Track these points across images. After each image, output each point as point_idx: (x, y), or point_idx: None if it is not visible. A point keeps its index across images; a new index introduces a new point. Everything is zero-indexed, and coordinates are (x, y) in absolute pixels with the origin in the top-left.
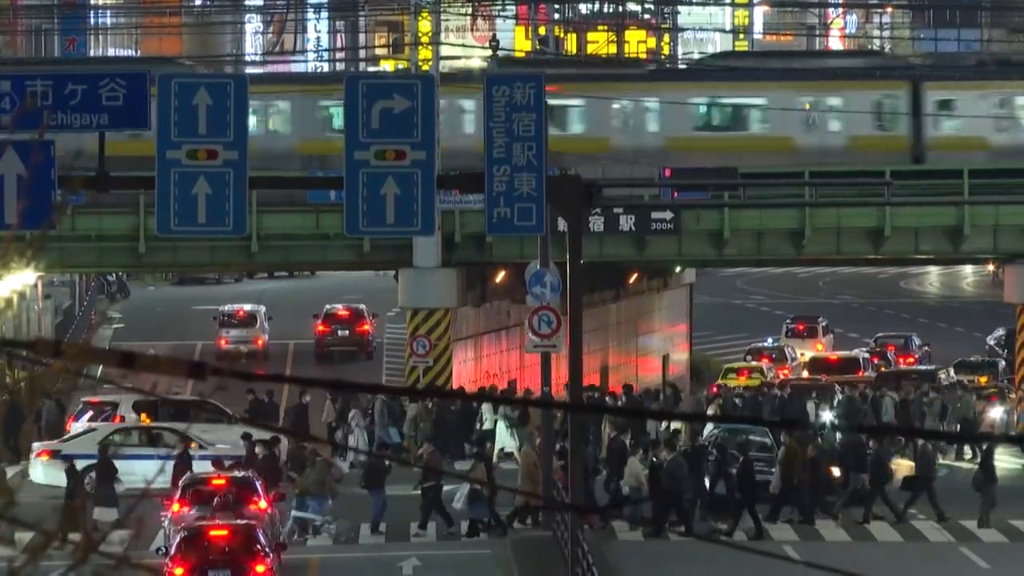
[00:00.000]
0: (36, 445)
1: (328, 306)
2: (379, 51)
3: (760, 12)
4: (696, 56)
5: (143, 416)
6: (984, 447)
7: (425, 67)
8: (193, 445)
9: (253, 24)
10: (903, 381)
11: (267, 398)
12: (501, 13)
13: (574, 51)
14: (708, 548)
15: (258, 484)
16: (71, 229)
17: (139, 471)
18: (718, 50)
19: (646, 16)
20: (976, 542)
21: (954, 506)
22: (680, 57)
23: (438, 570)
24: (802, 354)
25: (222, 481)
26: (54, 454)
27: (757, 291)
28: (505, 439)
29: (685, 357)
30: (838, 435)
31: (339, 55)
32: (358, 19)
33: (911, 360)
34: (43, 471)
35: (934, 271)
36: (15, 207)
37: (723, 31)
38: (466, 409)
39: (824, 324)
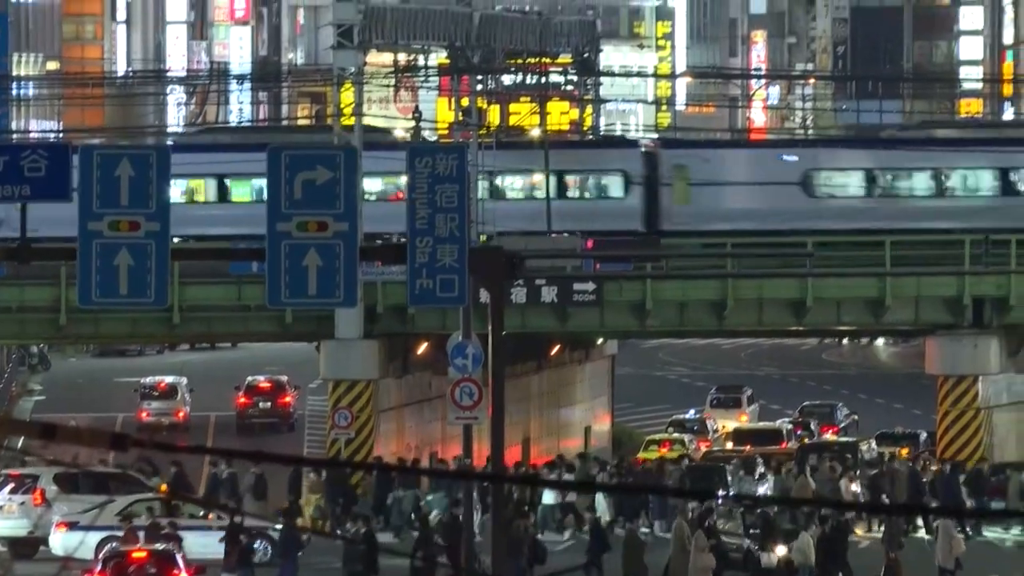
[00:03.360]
0: (54, 517)
1: (250, 378)
2: (302, 122)
3: (683, 83)
4: (619, 128)
5: (161, 487)
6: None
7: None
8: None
9: (175, 95)
10: (824, 453)
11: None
12: (424, 84)
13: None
14: None
15: (179, 557)
16: None
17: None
18: (641, 121)
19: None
20: None
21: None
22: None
23: None
24: (723, 426)
25: (143, 554)
26: (71, 526)
27: (679, 362)
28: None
29: (607, 428)
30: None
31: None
32: (281, 90)
33: (835, 430)
34: (62, 542)
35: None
36: None
37: (646, 103)
38: (380, 481)
39: (749, 394)
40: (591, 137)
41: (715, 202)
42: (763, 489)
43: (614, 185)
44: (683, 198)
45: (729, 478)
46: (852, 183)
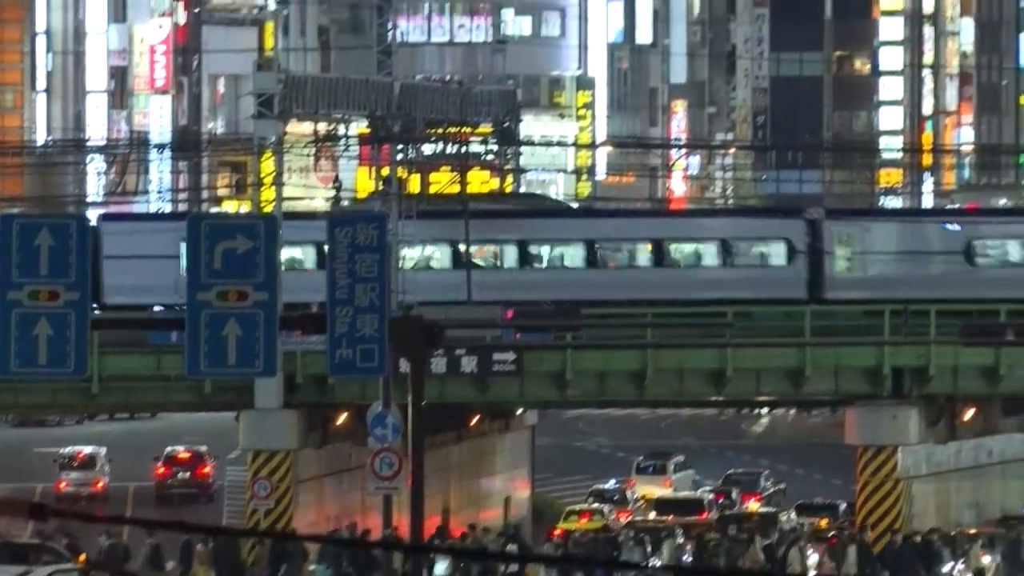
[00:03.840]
0: None
1: (169, 448)
2: (222, 191)
3: (603, 152)
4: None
5: (80, 558)
6: None
7: (268, 208)
8: None
9: (96, 164)
10: (744, 524)
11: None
12: (344, 153)
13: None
14: None
15: None
16: None
17: None
18: (561, 190)
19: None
20: None
21: None
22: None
23: None
24: (644, 495)
25: None
26: None
27: (599, 432)
28: None
29: (527, 498)
30: None
31: (181, 196)
32: (201, 159)
33: (758, 498)
34: None
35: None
36: None
37: (566, 172)
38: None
39: (678, 460)
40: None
41: (878, 271)
42: (684, 559)
43: (777, 253)
44: (847, 267)
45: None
46: (1014, 252)
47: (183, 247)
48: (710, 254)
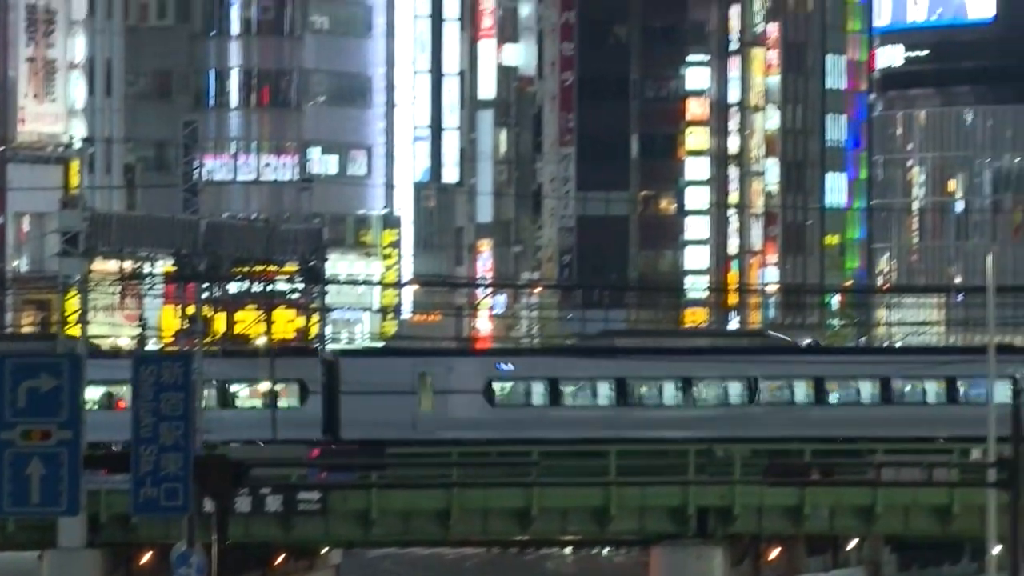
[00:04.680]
0: None
1: None
2: (26, 330)
3: (409, 291)
4: (345, 336)
5: None
6: None
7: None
8: None
9: None
10: None
11: None
12: (150, 292)
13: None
14: None
15: None
16: None
17: None
18: (367, 330)
19: (295, 295)
20: None
21: None
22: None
23: None
24: None
25: None
26: None
27: (405, 572)
28: None
29: None
30: None
31: None
32: (5, 298)
33: None
34: None
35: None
36: None
37: (372, 311)
38: None
39: None
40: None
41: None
42: None
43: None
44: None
45: None
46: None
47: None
48: None
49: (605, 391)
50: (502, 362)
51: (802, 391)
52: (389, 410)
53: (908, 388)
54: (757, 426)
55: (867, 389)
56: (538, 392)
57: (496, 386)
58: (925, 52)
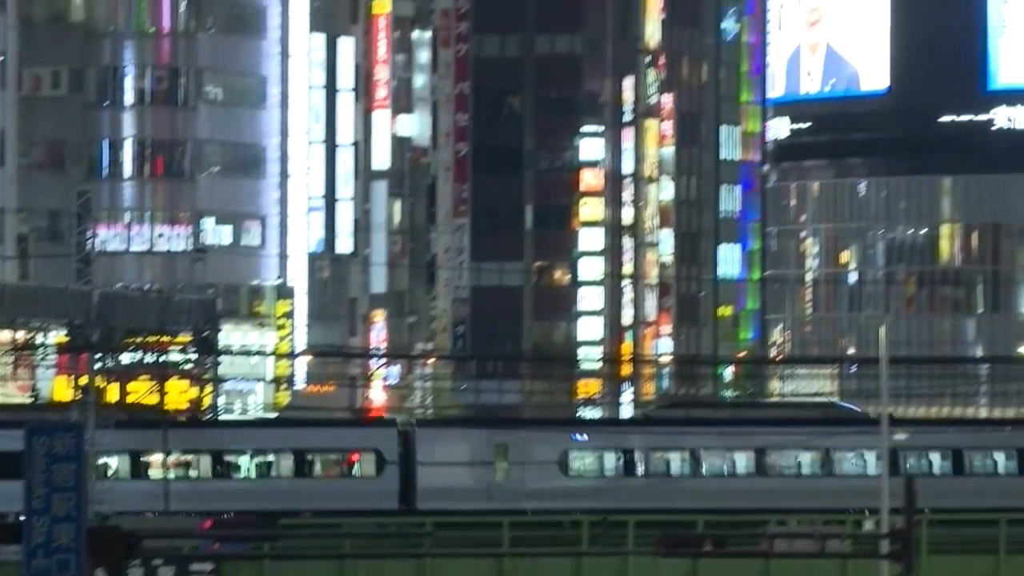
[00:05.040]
0: None
1: None
2: None
3: (303, 362)
4: (238, 406)
5: None
6: None
7: None
8: None
9: None
10: None
11: None
12: (42, 362)
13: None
14: None
15: None
16: None
17: None
18: (261, 400)
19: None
20: None
21: None
22: (220, 408)
23: None
24: None
25: None
26: None
27: None
28: None
29: None
30: None
31: None
32: None
33: None
34: None
35: None
36: None
37: (265, 381)
38: None
39: None
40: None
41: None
42: None
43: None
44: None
45: None
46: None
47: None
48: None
49: (678, 461)
50: (577, 433)
51: (872, 461)
52: (465, 480)
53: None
54: (831, 497)
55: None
56: (612, 462)
57: (571, 456)
58: (819, 123)
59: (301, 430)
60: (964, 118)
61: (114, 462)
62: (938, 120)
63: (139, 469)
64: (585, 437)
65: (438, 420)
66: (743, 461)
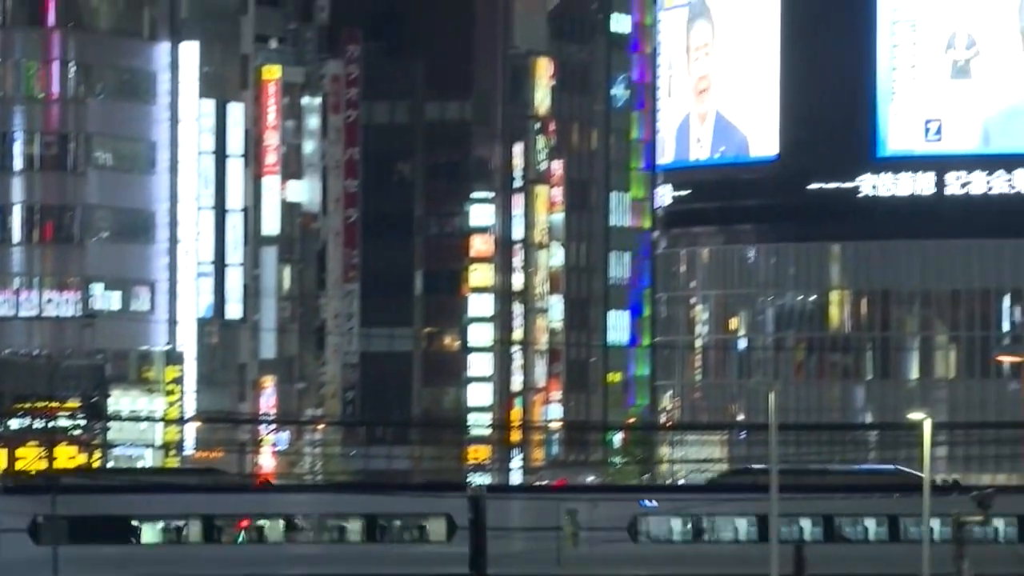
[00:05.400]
0: None
1: None
2: None
3: (192, 428)
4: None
5: None
6: None
7: None
8: None
9: None
10: None
11: None
12: None
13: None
14: None
15: None
16: None
17: None
18: (149, 463)
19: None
20: None
21: None
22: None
23: None
24: None
25: None
26: None
27: None
28: None
29: None
30: None
31: None
32: None
33: None
34: None
35: None
36: None
37: (153, 447)
38: None
39: None
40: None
41: None
42: None
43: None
44: None
45: None
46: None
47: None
48: None
49: (744, 528)
50: (646, 499)
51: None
52: (535, 546)
53: None
54: (899, 563)
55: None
56: (680, 528)
57: (640, 522)
58: (708, 190)
59: (372, 495)
60: (849, 184)
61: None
62: (824, 187)
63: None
64: (654, 503)
65: (508, 486)
66: (809, 528)
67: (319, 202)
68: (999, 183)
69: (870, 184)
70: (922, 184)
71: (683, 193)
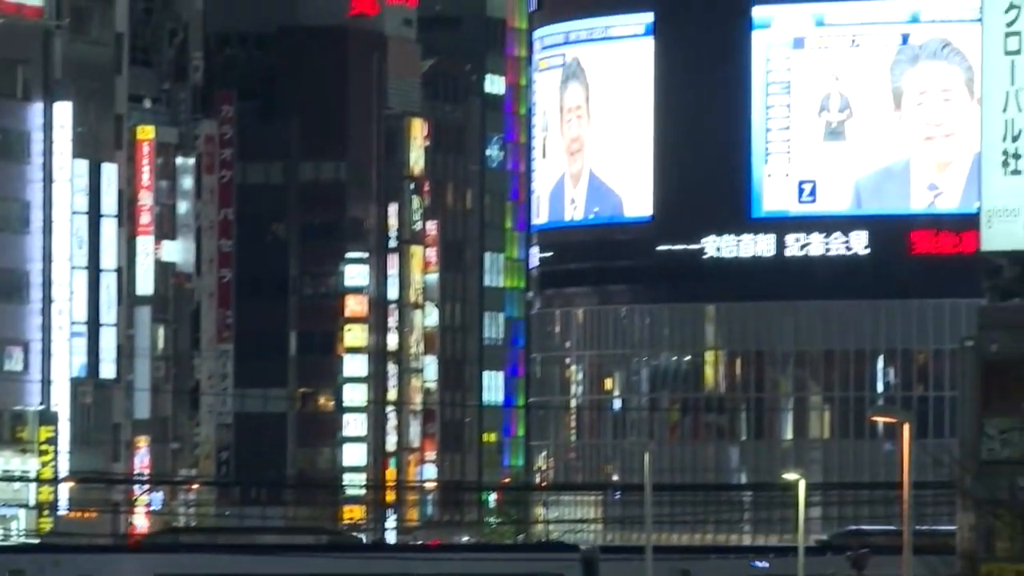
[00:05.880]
0: None
1: None
2: None
3: (65, 488)
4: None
5: None
6: None
7: None
8: None
9: None
10: None
11: None
12: None
13: None
14: None
15: None
16: None
17: None
18: (23, 527)
19: None
20: None
21: None
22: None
23: None
24: None
25: None
26: None
27: None
28: None
29: None
30: None
31: None
32: None
33: None
34: None
35: None
36: None
37: (27, 507)
38: None
39: None
40: None
41: None
42: None
43: None
44: None
45: None
46: None
47: None
48: None
49: None
50: (758, 560)
51: None
52: None
53: None
54: None
55: None
56: None
57: None
58: (583, 250)
59: (477, 555)
60: (695, 246)
61: None
62: (672, 248)
63: None
64: (766, 564)
65: (622, 547)
66: None
67: (193, 262)
68: (836, 244)
69: (714, 246)
70: (762, 246)
71: (557, 254)
